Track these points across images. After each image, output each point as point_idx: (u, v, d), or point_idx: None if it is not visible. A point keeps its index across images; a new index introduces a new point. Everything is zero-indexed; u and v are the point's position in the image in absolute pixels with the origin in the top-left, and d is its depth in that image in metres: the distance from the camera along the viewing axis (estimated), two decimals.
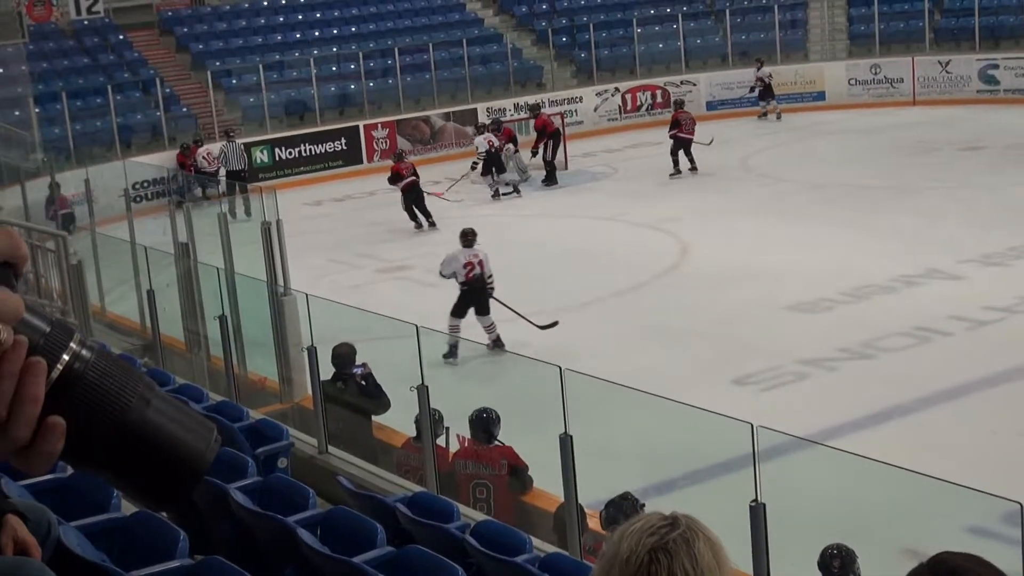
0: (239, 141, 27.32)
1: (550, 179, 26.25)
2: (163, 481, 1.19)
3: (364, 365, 11.73)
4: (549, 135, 26.55)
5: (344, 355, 11.66)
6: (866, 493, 8.91)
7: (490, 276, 15.61)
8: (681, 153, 25.61)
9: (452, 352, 14.52)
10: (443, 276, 15.72)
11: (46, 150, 25.72)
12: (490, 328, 15.24)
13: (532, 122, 27.90)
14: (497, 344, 15.00)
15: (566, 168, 27.80)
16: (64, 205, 21.90)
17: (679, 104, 27.55)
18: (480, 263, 15.49)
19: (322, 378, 11.14)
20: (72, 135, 28.22)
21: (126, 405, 1.16)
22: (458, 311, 15.36)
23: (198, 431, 1.21)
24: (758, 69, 32.00)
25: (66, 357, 1.15)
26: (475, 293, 15.43)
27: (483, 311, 15.42)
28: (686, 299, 17.05)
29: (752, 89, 32.21)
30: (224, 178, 25.32)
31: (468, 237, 15.79)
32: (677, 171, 25.50)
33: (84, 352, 1.16)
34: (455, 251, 15.76)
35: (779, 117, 31.55)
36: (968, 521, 8.77)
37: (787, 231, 20.13)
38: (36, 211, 20.40)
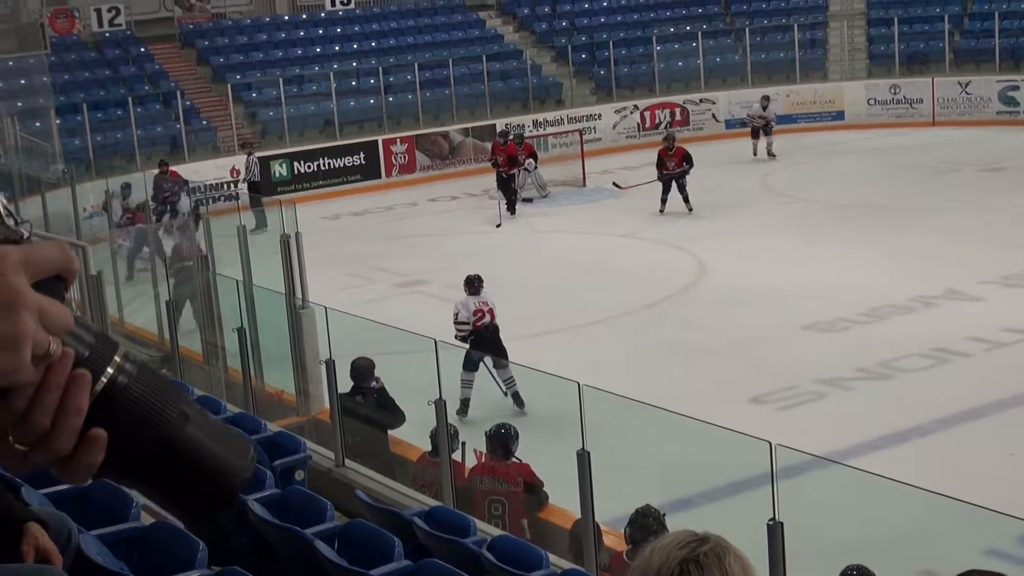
0: (256, 155, 27.30)
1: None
2: (201, 496, 1.20)
3: (378, 379, 11.76)
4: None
5: (363, 368, 11.68)
6: (884, 513, 8.89)
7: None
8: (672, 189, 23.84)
9: (464, 408, 13.37)
10: (459, 324, 14.28)
11: (67, 161, 25.81)
12: (509, 382, 13.76)
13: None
14: (517, 401, 13.60)
15: (584, 184, 27.85)
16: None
17: (669, 139, 24.91)
18: (491, 311, 14.31)
19: (340, 391, 11.17)
20: (92, 147, 28.32)
21: (167, 420, 1.17)
22: (471, 364, 13.71)
23: (236, 447, 1.22)
24: (764, 108, 29.63)
25: (110, 371, 1.16)
26: (486, 343, 14.13)
27: (500, 363, 13.98)
28: (704, 317, 17.03)
29: (755, 130, 29.46)
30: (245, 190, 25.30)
31: (474, 284, 14.50)
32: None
33: (128, 366, 1.17)
34: (463, 299, 14.48)
35: (773, 156, 28.91)
36: (985, 543, 8.75)
37: (805, 250, 20.10)
38: (56, 221, 20.45)
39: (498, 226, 24.00)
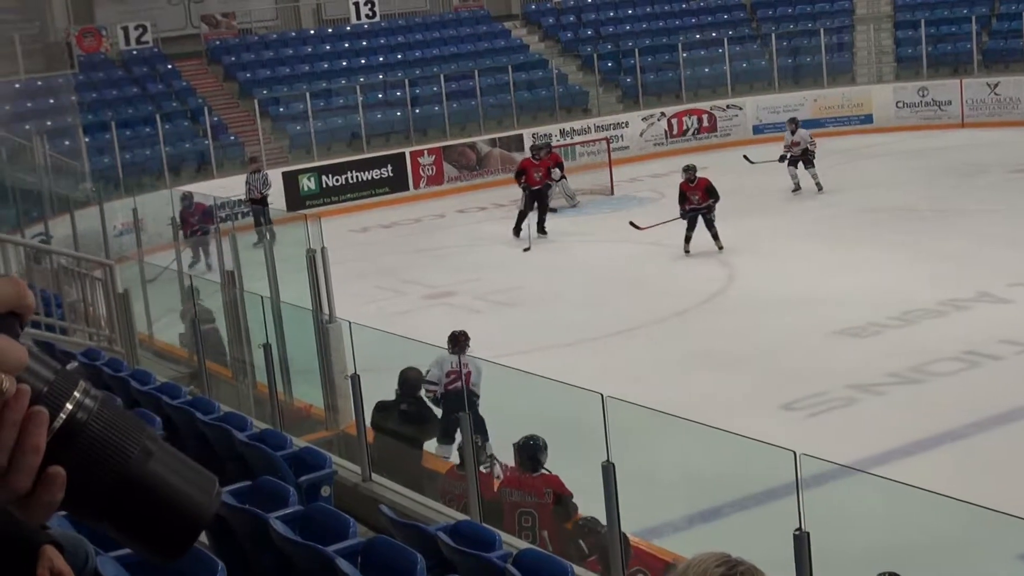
0: (264, 172, 26.94)
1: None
2: (164, 534, 1.18)
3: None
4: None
5: (412, 380, 11.67)
6: (914, 521, 8.81)
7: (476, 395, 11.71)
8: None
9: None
10: (427, 383, 12.30)
11: (95, 179, 25.94)
12: (490, 460, 11.09)
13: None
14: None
15: (612, 193, 27.82)
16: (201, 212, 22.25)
17: (689, 171, 22.20)
18: (467, 375, 11.75)
19: (385, 399, 11.26)
20: (121, 164, 28.47)
21: (128, 457, 1.15)
22: (445, 436, 11.86)
23: (200, 484, 1.19)
24: (793, 132, 26.42)
25: (69, 407, 1.14)
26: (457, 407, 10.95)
27: (480, 432, 11.15)
28: (733, 324, 16.96)
29: (783, 158, 26.16)
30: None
31: (458, 341, 12.63)
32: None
33: (87, 401, 1.15)
34: (441, 355, 12.37)
35: (820, 188, 25.70)
36: (1019, 550, 8.66)
37: (835, 255, 20.00)
38: (85, 240, 20.56)
39: (527, 250, 23.08)
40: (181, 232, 21.39)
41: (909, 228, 21.53)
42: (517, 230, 24.02)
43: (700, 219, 21.39)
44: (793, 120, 27.40)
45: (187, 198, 22.51)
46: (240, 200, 25.07)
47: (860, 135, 32.00)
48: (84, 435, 1.14)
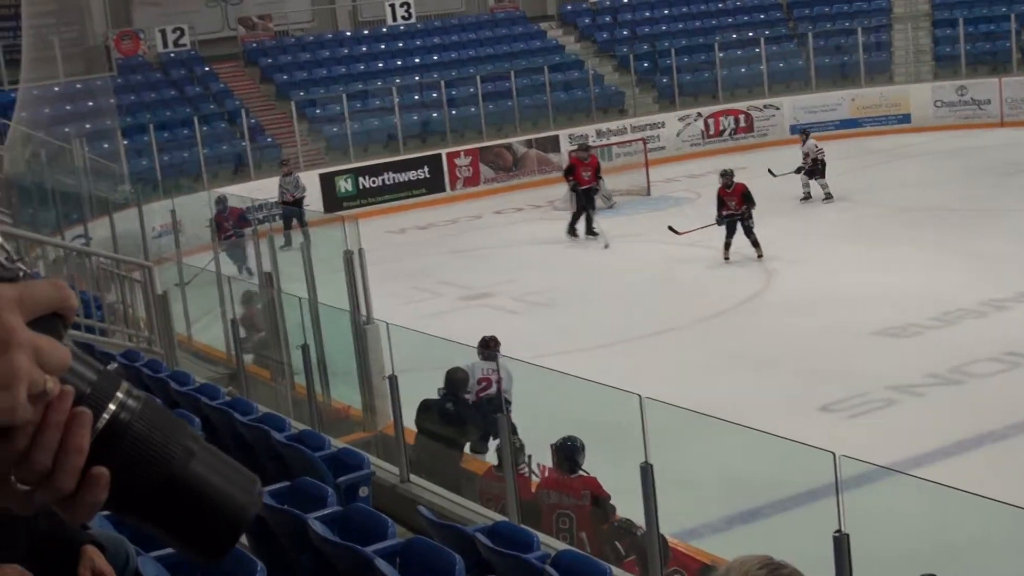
0: (296, 175, 26.96)
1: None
2: (206, 534, 1.18)
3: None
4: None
5: (458, 380, 11.67)
6: (955, 523, 8.76)
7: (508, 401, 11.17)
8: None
9: None
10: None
11: (134, 182, 26.08)
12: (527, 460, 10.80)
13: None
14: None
15: (648, 194, 27.78)
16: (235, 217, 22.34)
17: (726, 176, 21.74)
18: (498, 382, 11.69)
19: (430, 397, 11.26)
20: (159, 166, 28.64)
21: (170, 457, 1.15)
22: (481, 440, 11.88)
23: (242, 483, 1.19)
24: (803, 143, 26.23)
25: (112, 407, 1.14)
26: (485, 416, 11.71)
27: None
28: (771, 325, 16.91)
29: (799, 169, 25.66)
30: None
31: (488, 347, 12.47)
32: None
33: (130, 402, 1.15)
34: (472, 362, 12.29)
35: (829, 196, 25.26)
36: None
37: (873, 255, 19.91)
38: (124, 241, 20.66)
39: (607, 247, 22.92)
40: (217, 237, 21.47)
41: (948, 228, 21.41)
42: (572, 231, 24.07)
43: (739, 226, 21.02)
44: (803, 131, 27.23)
45: (221, 202, 22.56)
46: (279, 201, 25.20)
47: (898, 135, 31.83)
48: (127, 435, 1.14)
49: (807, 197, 25.45)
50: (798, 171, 25.43)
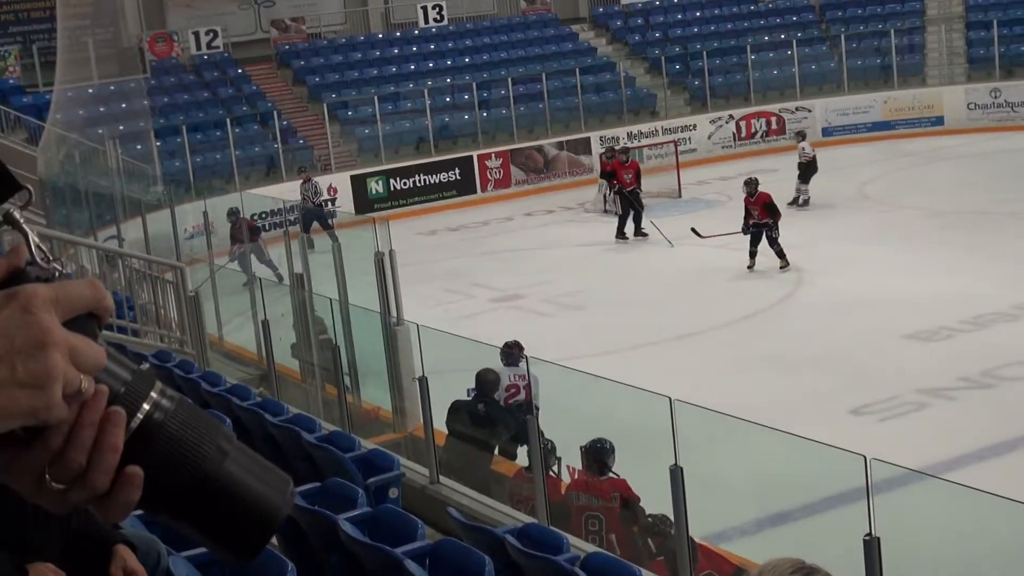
0: (315, 180, 26.74)
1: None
2: (239, 533, 1.19)
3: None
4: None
5: (489, 382, 11.68)
6: (987, 528, 8.71)
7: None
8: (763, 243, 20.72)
9: None
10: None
11: (166, 183, 26.21)
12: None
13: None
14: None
15: (679, 196, 27.73)
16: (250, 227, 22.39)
17: (750, 185, 21.30)
18: (526, 387, 11.50)
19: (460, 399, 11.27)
20: (192, 168, 28.77)
21: (204, 456, 1.16)
22: (511, 442, 11.74)
23: (274, 484, 1.20)
24: (798, 143, 26.48)
25: (146, 407, 1.15)
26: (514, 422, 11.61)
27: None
28: (802, 327, 16.86)
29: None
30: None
31: (512, 353, 12.18)
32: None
33: (164, 402, 1.16)
34: (499, 368, 12.03)
35: (805, 203, 25.34)
36: None
37: (905, 258, 19.82)
38: (157, 243, 20.77)
39: (672, 246, 22.77)
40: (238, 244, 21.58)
41: (980, 231, 21.30)
42: (621, 234, 24.08)
43: (764, 236, 20.62)
44: (799, 133, 27.36)
45: (233, 214, 22.55)
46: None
47: (931, 137, 31.67)
48: (161, 435, 1.15)
49: (793, 202, 25.13)
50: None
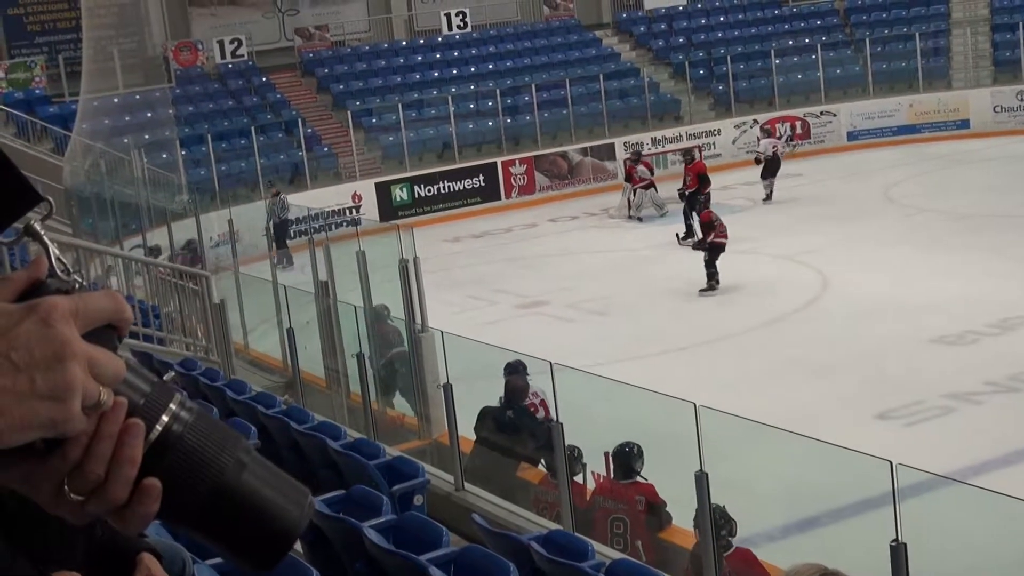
0: (283, 196, 26.30)
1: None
2: (256, 545, 1.19)
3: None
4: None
5: (519, 389, 11.66)
6: (1015, 533, 8.66)
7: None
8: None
9: None
10: None
11: (192, 191, 26.30)
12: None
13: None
14: None
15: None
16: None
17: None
18: (543, 403, 11.36)
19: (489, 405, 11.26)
20: (217, 176, 28.86)
21: (222, 468, 1.16)
22: (535, 456, 11.49)
23: (292, 496, 1.21)
24: (759, 141, 28.19)
25: (165, 419, 1.15)
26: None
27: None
28: (827, 332, 16.80)
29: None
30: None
31: (517, 372, 11.82)
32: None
33: (183, 414, 1.17)
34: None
35: (769, 196, 26.95)
36: None
37: (931, 262, 19.74)
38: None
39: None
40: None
41: (1006, 235, 21.18)
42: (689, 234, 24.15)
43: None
44: (763, 129, 28.79)
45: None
46: (335, 211, 25.34)
47: (957, 141, 31.52)
48: (179, 447, 1.15)
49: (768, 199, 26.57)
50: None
